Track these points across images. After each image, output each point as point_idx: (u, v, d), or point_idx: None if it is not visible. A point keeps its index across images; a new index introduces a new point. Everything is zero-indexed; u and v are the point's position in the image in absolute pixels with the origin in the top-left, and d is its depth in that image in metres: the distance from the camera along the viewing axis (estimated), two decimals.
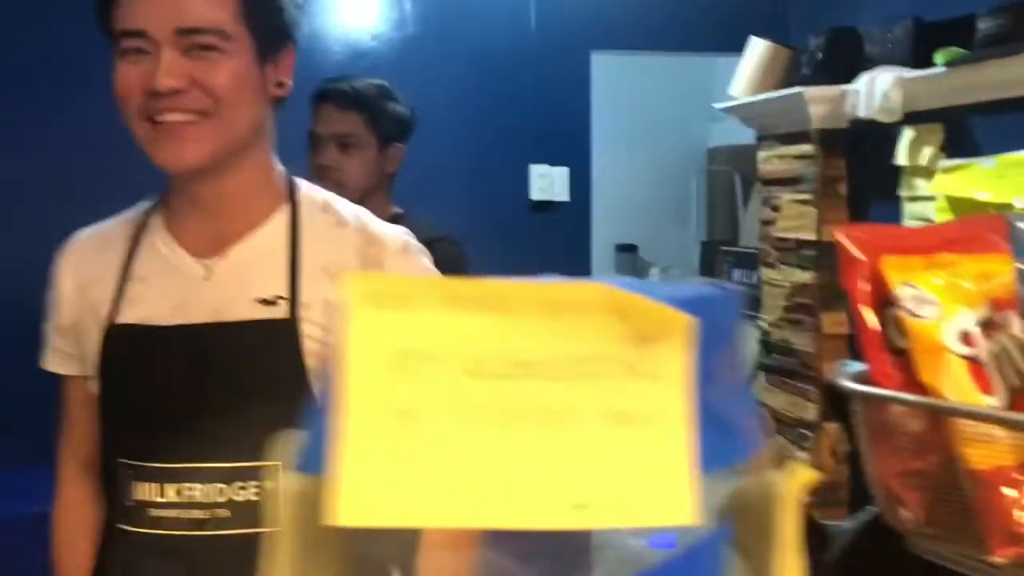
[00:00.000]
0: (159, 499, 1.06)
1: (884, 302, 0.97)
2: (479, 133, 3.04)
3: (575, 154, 3.19)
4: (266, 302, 1.06)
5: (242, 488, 1.04)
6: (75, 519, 1.22)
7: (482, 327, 0.48)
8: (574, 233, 3.24)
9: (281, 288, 1.07)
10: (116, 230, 1.19)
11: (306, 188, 1.18)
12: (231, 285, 1.09)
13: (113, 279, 1.13)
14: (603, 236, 3.64)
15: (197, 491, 1.05)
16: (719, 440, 0.49)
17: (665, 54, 3.43)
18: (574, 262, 3.21)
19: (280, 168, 1.17)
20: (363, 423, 0.48)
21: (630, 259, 4.16)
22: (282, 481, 0.55)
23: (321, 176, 1.79)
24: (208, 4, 1.03)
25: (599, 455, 0.48)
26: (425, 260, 1.16)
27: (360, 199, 1.35)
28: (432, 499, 0.47)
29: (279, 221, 1.12)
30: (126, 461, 1.09)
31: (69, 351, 1.19)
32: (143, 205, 1.20)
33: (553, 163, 3.16)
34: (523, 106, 3.09)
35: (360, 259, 1.10)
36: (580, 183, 3.21)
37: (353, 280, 0.47)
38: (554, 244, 3.18)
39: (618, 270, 4.10)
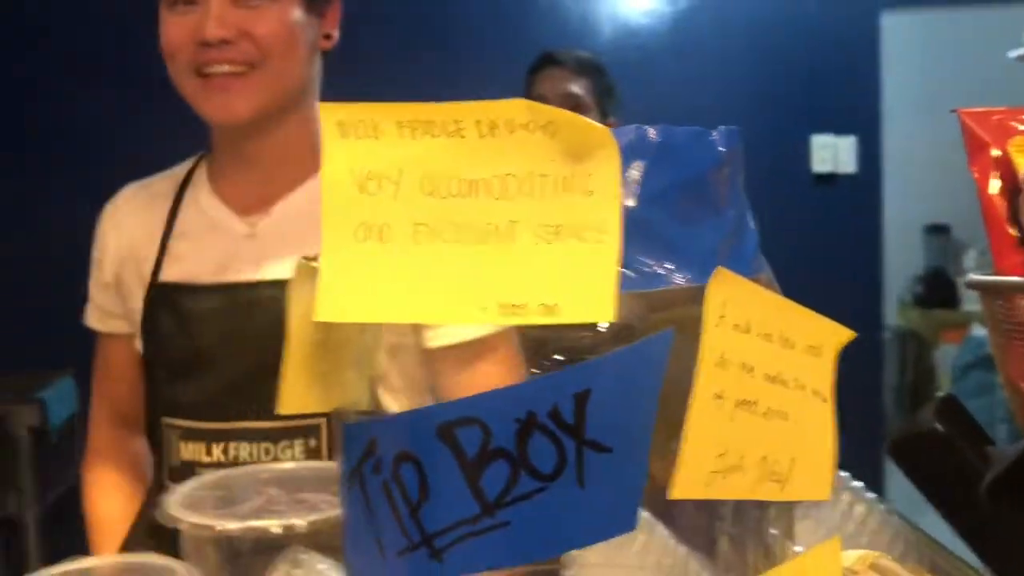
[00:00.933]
0: (206, 458, 1.05)
1: (1014, 189, 0.85)
2: (754, 104, 2.96)
3: (863, 123, 3.01)
4: (309, 259, 1.03)
5: (288, 447, 1.03)
6: (107, 476, 1.20)
7: (435, 149, 0.53)
8: (864, 208, 3.05)
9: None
10: (161, 186, 1.17)
11: None
12: (274, 243, 1.06)
13: (156, 236, 1.12)
14: (907, 215, 3.37)
15: (243, 450, 1.04)
16: (662, 255, 0.50)
17: (968, 7, 3.13)
18: (864, 239, 3.02)
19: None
20: (337, 237, 0.55)
21: (941, 241, 3.82)
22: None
23: None
24: None
25: (532, 264, 0.51)
26: None
27: None
28: (391, 299, 0.53)
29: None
30: (171, 421, 1.08)
31: (111, 308, 1.17)
32: (189, 161, 1.18)
33: (838, 132, 3.00)
34: (802, 74, 2.97)
35: None
36: (869, 154, 3.01)
37: (326, 109, 0.54)
38: (841, 219, 3.02)
39: (927, 252, 3.77)
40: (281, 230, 1.08)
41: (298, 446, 1.03)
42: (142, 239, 1.14)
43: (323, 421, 1.01)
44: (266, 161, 1.10)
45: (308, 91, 1.10)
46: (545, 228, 0.51)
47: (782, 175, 2.98)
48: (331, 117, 0.54)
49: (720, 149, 0.58)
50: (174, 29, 1.04)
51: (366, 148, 0.54)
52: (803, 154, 3.01)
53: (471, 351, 1.03)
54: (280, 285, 1.01)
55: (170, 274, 1.11)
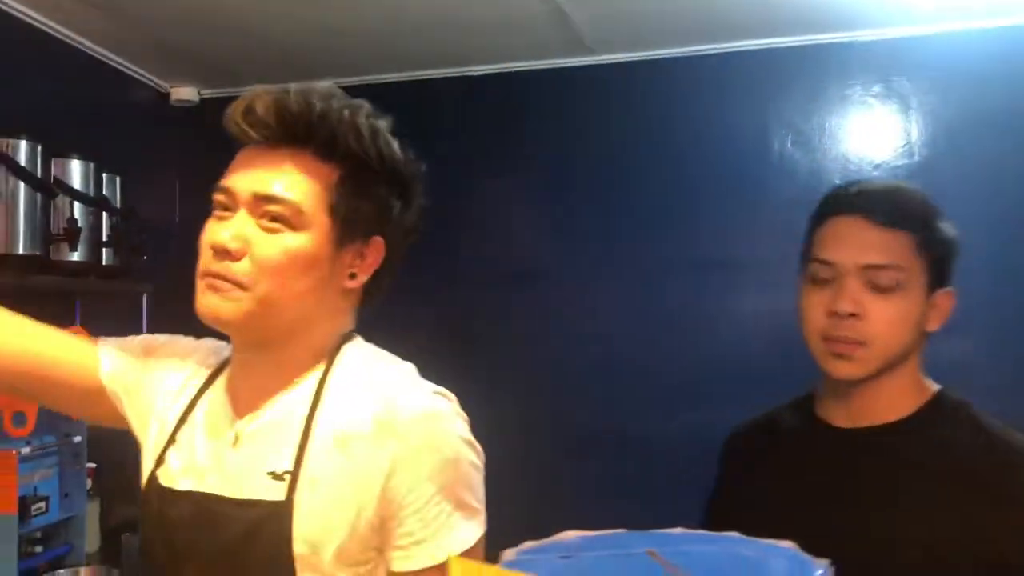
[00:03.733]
0: None
1: None
2: (1006, 260, 2.62)
3: None
4: (275, 475, 1.06)
5: None
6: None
7: None
8: None
9: (289, 462, 1.06)
10: (212, 360, 1.22)
11: (355, 346, 1.15)
12: (251, 454, 1.09)
13: (176, 413, 1.17)
14: None
15: None
16: None
17: None
18: None
19: (336, 332, 1.15)
20: None
21: None
22: None
23: (830, 332, 1.26)
24: (291, 184, 1.07)
25: None
26: (456, 427, 1.07)
27: (886, 365, 1.23)
28: None
29: (308, 384, 1.11)
30: None
31: (123, 369, 1.22)
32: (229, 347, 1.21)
33: None
34: None
35: (374, 426, 1.05)
36: None
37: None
38: None
39: None
40: (259, 439, 1.10)
41: None
42: (171, 406, 1.18)
43: None
44: (263, 371, 1.13)
45: (315, 321, 1.12)
46: None
47: None
48: None
49: None
50: (206, 233, 1.09)
51: None
52: None
53: None
54: (236, 505, 1.06)
55: (164, 474, 1.14)
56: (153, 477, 1.14)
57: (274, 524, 1.03)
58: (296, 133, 1.07)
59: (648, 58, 2.91)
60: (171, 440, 1.15)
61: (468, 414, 1.10)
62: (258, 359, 1.13)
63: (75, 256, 2.30)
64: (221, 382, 1.18)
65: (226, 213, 1.08)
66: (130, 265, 2.54)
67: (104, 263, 2.42)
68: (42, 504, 1.79)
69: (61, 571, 1.91)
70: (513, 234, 3.06)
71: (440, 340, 2.83)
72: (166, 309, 2.78)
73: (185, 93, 3.13)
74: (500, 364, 2.94)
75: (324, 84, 1.10)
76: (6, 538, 1.68)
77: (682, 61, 2.89)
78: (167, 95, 3.15)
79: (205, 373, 1.19)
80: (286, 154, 1.07)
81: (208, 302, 1.06)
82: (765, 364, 2.70)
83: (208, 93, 3.14)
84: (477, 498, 1.08)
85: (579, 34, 2.75)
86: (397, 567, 1.05)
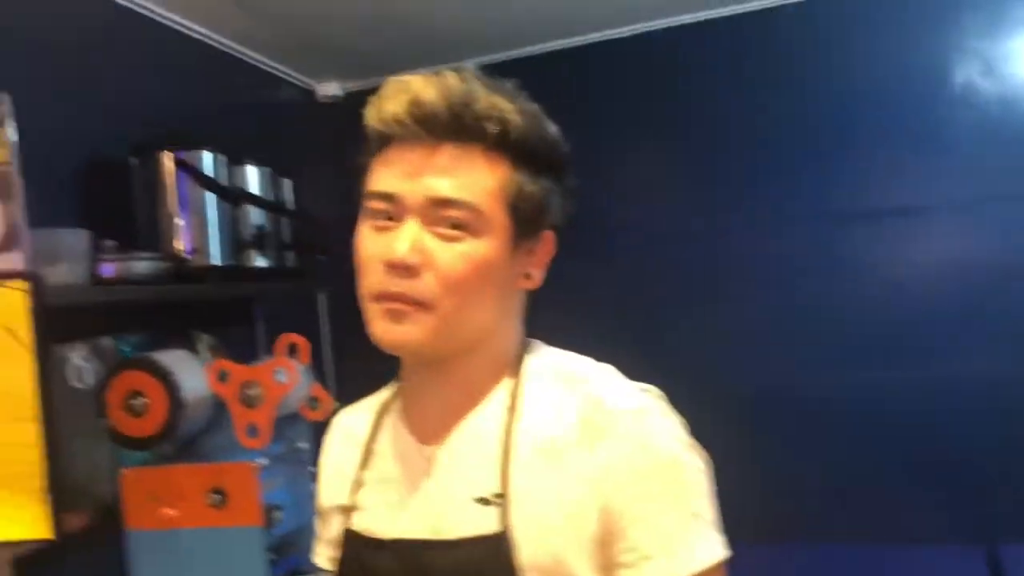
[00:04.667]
0: None
1: None
2: None
3: None
4: (482, 500, 0.95)
5: None
6: None
7: None
8: None
9: (495, 482, 0.96)
10: (362, 413, 1.14)
11: (539, 354, 1.04)
12: (449, 480, 1.00)
13: (351, 471, 1.09)
14: None
15: None
16: None
17: None
18: None
19: (516, 338, 1.05)
20: None
21: None
22: None
23: None
24: (468, 185, 0.95)
25: None
26: (671, 426, 0.96)
27: None
28: None
29: (499, 396, 1.01)
30: None
31: (327, 541, 1.14)
32: (392, 385, 1.13)
33: None
34: None
35: (581, 430, 0.94)
36: None
37: None
38: None
39: None
40: (454, 463, 1.00)
41: None
42: (345, 474, 1.10)
43: None
44: (446, 391, 1.02)
45: (497, 329, 1.02)
46: None
47: None
48: None
49: None
50: (370, 245, 0.98)
51: None
52: None
53: None
54: (451, 547, 0.96)
55: (356, 520, 1.06)
56: (347, 527, 1.06)
57: (497, 558, 0.93)
58: (467, 126, 0.95)
59: None
60: (357, 486, 1.07)
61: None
62: (435, 378, 1.02)
63: (260, 262, 2.31)
64: (389, 422, 1.09)
65: (389, 222, 0.96)
66: (307, 267, 2.54)
67: (286, 266, 2.42)
68: (279, 514, 1.79)
69: None
70: (665, 196, 2.94)
71: (603, 318, 2.76)
72: (339, 308, 2.79)
73: (330, 88, 3.11)
74: (662, 337, 2.83)
75: (463, 66, 0.98)
76: (254, 550, 1.68)
77: None
78: (312, 92, 3.14)
79: (363, 437, 1.11)
80: (454, 151, 0.95)
81: (390, 331, 0.95)
82: (955, 319, 2.56)
83: (352, 87, 3.12)
84: (711, 510, 0.95)
85: None
86: None
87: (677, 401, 1.00)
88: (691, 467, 0.94)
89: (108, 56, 2.20)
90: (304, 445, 1.98)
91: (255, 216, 2.29)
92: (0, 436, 1.49)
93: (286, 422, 1.87)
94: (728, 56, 2.86)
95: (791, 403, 2.73)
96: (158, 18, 2.36)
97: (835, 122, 2.75)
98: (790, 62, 2.80)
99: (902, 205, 2.69)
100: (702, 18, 2.84)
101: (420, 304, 0.94)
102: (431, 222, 0.95)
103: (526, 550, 0.93)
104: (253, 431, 1.75)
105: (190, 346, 2.15)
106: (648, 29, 2.89)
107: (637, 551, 0.91)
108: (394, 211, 0.96)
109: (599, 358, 1.04)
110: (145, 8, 2.31)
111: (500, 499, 0.95)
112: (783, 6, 2.77)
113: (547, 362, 1.03)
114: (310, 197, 2.88)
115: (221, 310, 2.50)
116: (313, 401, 1.85)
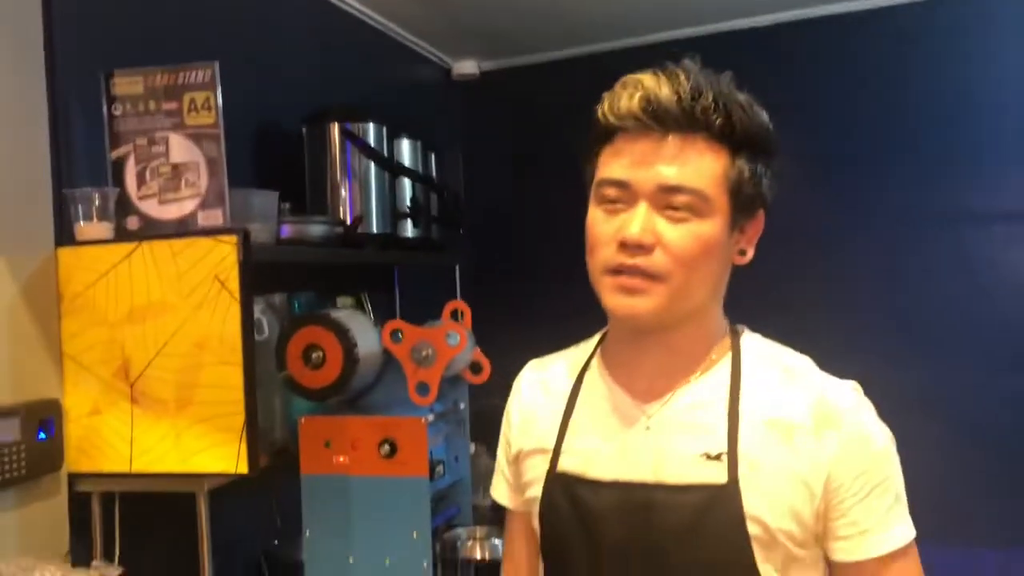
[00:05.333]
0: None
1: None
2: None
3: None
4: (710, 456, 1.07)
5: None
6: None
7: None
8: None
9: (722, 442, 1.07)
10: (562, 365, 1.25)
11: (749, 339, 1.16)
12: (671, 436, 1.10)
13: (556, 420, 1.19)
14: None
15: None
16: None
17: None
18: None
19: (721, 314, 1.17)
20: None
21: None
22: None
23: None
24: (695, 173, 1.05)
25: None
26: (877, 419, 1.10)
27: None
28: None
29: (720, 370, 1.12)
30: None
31: (514, 483, 1.26)
32: (591, 341, 1.24)
33: None
34: None
35: (813, 418, 1.07)
36: None
37: None
38: None
39: None
40: (677, 421, 1.11)
41: None
42: (543, 421, 1.21)
43: None
44: (661, 356, 1.13)
45: (710, 303, 1.13)
46: None
47: None
48: None
49: None
50: (602, 226, 1.08)
51: None
52: None
53: None
54: (678, 491, 1.07)
55: (567, 463, 1.16)
56: (553, 468, 1.16)
57: (724, 505, 1.05)
58: (695, 118, 1.05)
59: None
60: (562, 433, 1.17)
61: None
62: (653, 344, 1.13)
63: (410, 232, 2.42)
64: (594, 377, 1.19)
65: (618, 206, 1.08)
66: (448, 240, 2.65)
67: (431, 238, 2.53)
68: (440, 467, 1.90)
69: (459, 529, 2.03)
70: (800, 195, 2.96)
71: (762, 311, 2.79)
72: (472, 278, 2.91)
73: (466, 67, 3.21)
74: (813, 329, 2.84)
75: (685, 62, 1.09)
76: (420, 500, 1.79)
77: None
78: (449, 70, 3.25)
79: (563, 389, 1.21)
80: (679, 141, 1.06)
81: (624, 301, 1.07)
82: None
83: (487, 66, 3.21)
84: (905, 494, 1.09)
85: None
86: (841, 557, 1.07)
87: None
88: (896, 456, 1.09)
89: (285, 34, 2.34)
90: (463, 405, 2.09)
91: (409, 188, 2.41)
92: (210, 379, 1.63)
93: (448, 383, 1.97)
94: (863, 53, 2.88)
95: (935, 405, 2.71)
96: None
97: (980, 120, 2.75)
98: (929, 60, 2.81)
99: None
100: (844, 10, 2.88)
101: (653, 277, 1.05)
102: (660, 206, 1.06)
103: (750, 502, 1.05)
104: (423, 389, 1.85)
105: (357, 306, 2.27)
106: (788, 19, 2.93)
107: (856, 526, 1.06)
108: (626, 196, 1.07)
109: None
110: None
111: (725, 456, 1.07)
112: (911, 5, 2.79)
113: (762, 349, 1.16)
114: (447, 173, 3.00)
115: (368, 274, 2.63)
116: (476, 365, 1.95)
